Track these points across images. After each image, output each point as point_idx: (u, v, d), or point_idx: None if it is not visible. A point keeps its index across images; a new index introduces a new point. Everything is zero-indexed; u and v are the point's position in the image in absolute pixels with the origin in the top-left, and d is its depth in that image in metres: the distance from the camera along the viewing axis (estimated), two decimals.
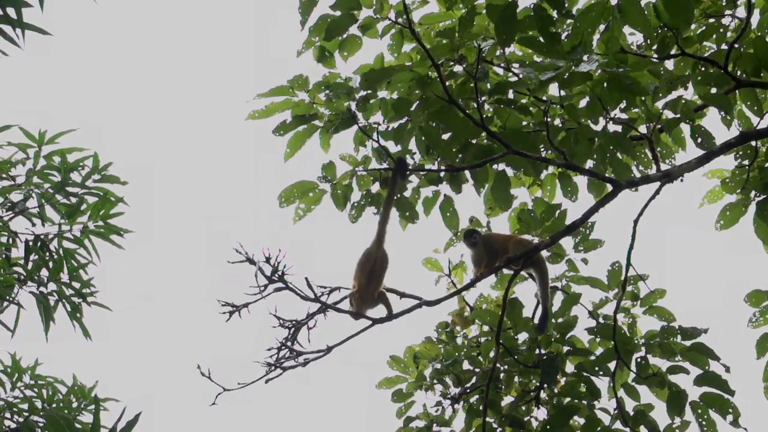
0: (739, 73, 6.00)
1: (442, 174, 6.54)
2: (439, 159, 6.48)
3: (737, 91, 6.25)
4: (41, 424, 6.75)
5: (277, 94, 6.32)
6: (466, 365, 6.99)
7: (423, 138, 6.28)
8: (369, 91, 6.15)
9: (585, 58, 5.57)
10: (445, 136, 6.31)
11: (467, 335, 7.19)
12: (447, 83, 5.85)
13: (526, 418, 6.81)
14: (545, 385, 6.66)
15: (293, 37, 6.16)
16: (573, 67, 5.46)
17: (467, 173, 6.58)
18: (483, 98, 5.97)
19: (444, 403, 6.99)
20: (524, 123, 6.34)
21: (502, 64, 6.08)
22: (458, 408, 7.02)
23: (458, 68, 6.19)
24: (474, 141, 6.36)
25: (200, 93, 13.90)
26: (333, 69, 6.36)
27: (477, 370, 6.93)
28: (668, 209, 6.23)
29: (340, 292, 6.01)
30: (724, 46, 6.16)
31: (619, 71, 5.48)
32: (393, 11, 6.22)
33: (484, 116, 5.97)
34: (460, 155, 6.29)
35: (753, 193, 6.61)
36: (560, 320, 6.71)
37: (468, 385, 6.86)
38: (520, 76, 5.86)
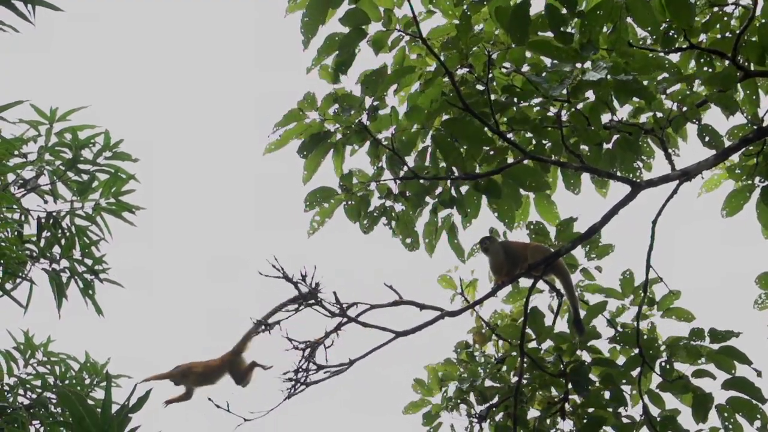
0: (742, 61, 6.04)
1: (453, 191, 6.62)
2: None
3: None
4: (54, 401, 6.83)
5: (290, 120, 6.57)
6: (488, 382, 7.14)
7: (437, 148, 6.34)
8: (378, 102, 6.20)
9: (591, 64, 5.62)
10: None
11: (485, 351, 7.26)
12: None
13: (552, 431, 6.86)
14: (569, 396, 6.73)
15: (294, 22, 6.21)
16: (580, 76, 5.51)
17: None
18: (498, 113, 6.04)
19: (472, 422, 7.06)
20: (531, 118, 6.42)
21: (508, 65, 6.12)
22: (485, 426, 7.09)
23: (463, 70, 6.24)
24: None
25: (197, 86, 13.93)
26: (340, 85, 6.48)
27: (500, 385, 6.99)
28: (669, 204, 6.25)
29: (357, 307, 6.08)
30: (728, 35, 6.17)
31: (627, 78, 5.52)
32: (398, 24, 6.28)
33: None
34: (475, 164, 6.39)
35: (757, 179, 6.66)
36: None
37: (493, 401, 6.90)
38: (529, 78, 5.91)
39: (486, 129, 6.20)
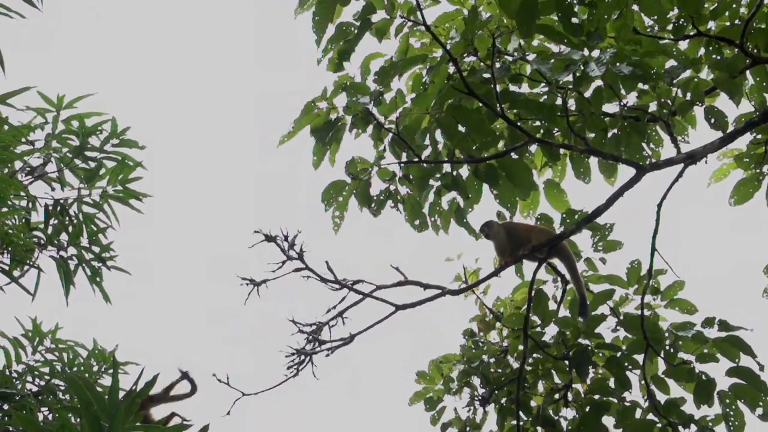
0: (751, 48, 6.04)
1: (454, 174, 6.63)
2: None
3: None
4: (62, 388, 6.87)
5: (305, 113, 6.62)
6: (493, 368, 7.18)
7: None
8: (383, 88, 6.25)
9: (595, 54, 5.63)
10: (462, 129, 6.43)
11: (488, 339, 7.30)
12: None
13: (555, 418, 6.90)
14: (573, 384, 6.74)
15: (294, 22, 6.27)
16: (583, 68, 5.53)
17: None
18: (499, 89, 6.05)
19: (475, 404, 7.10)
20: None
21: (516, 53, 6.14)
22: (489, 410, 7.14)
23: (470, 58, 6.26)
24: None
25: (197, 86, 13.96)
26: (344, 72, 6.54)
27: (506, 371, 7.02)
28: (677, 188, 6.27)
29: (363, 284, 6.14)
30: (736, 22, 6.18)
31: (630, 69, 5.52)
32: (401, 10, 6.36)
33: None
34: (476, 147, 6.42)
35: (766, 167, 6.67)
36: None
37: (496, 386, 6.96)
38: (535, 66, 5.92)
39: (489, 119, 6.23)
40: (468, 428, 7.10)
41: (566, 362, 6.78)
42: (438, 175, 6.74)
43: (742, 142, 6.90)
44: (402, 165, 6.61)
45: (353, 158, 6.71)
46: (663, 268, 6.84)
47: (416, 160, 6.38)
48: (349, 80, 6.51)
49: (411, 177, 6.67)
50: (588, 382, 6.80)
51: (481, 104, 6.08)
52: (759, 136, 6.76)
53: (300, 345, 5.83)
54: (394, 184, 6.79)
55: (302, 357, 5.82)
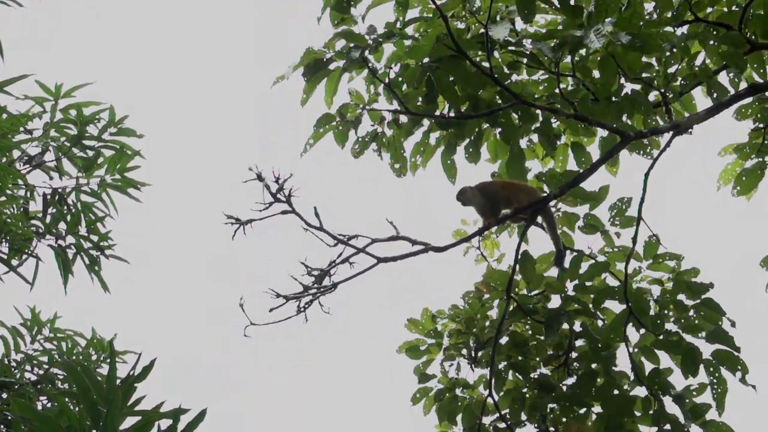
0: (748, 34, 6.07)
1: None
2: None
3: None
4: (61, 377, 6.91)
5: (308, 57, 6.55)
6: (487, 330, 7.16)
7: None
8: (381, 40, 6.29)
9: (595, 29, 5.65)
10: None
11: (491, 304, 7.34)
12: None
13: (552, 383, 6.93)
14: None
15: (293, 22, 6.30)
16: (583, 41, 5.56)
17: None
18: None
19: (461, 362, 7.12)
20: (536, 96, 6.47)
21: (512, 39, 6.17)
22: (485, 375, 7.12)
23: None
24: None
25: (197, 86, 13.96)
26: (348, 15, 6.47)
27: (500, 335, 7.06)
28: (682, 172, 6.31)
29: (358, 239, 6.21)
30: (734, 8, 6.21)
31: (628, 38, 5.55)
32: None
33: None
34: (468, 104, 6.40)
35: None
36: (588, 284, 6.88)
37: (480, 345, 6.99)
38: (534, 48, 5.95)
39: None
40: (460, 388, 7.15)
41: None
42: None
43: (743, 133, 6.93)
44: (392, 112, 6.67)
45: (349, 92, 6.73)
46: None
47: (406, 110, 6.41)
48: (352, 23, 6.48)
49: (400, 122, 6.71)
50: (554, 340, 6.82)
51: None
52: (761, 126, 6.80)
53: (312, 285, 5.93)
54: (382, 127, 6.84)
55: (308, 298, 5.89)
